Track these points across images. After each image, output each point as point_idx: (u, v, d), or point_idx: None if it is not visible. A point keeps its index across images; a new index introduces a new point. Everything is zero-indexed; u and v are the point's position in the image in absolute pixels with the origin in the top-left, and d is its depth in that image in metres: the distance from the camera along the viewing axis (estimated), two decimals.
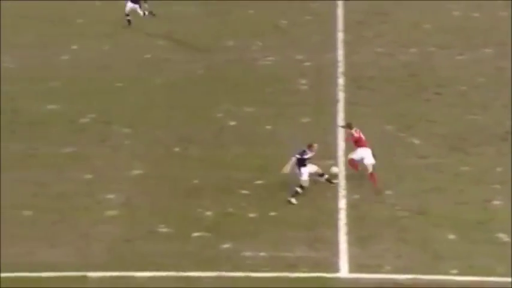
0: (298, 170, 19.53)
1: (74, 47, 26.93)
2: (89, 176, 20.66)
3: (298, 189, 19.52)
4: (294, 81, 25.39)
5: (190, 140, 22.22)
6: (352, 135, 20.10)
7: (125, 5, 27.64)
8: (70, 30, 27.76)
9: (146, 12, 27.75)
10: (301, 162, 19.49)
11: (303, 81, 25.41)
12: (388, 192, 20.15)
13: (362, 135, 20.08)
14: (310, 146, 19.66)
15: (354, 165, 20.24)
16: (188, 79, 25.20)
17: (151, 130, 22.68)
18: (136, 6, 27.62)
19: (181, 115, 23.26)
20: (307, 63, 26.45)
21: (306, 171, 19.52)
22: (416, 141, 22.29)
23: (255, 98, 24.27)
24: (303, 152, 19.53)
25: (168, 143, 22.13)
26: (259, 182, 20.51)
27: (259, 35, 28.00)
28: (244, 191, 20.19)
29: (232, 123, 23.18)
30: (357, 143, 20.05)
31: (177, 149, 21.89)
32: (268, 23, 28.93)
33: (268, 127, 22.85)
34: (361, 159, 19.93)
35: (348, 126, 20.50)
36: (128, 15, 27.76)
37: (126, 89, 24.74)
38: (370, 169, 19.87)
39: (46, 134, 22.31)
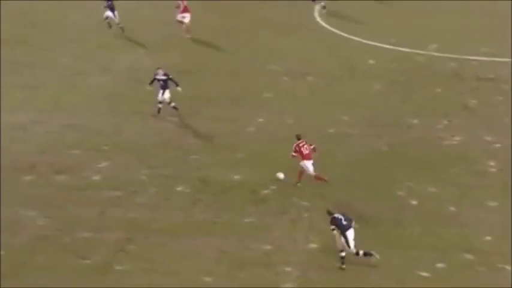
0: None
1: (260, 119, 27.72)
2: (268, 247, 20.83)
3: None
4: (482, 162, 24.45)
5: (369, 217, 21.86)
6: (298, 147, 22.98)
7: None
8: (257, 104, 28.65)
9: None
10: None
11: (492, 163, 24.39)
12: None
13: (307, 150, 22.98)
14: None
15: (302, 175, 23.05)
16: (370, 155, 25.01)
17: (330, 204, 22.58)
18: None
19: (361, 191, 23.01)
20: (497, 145, 25.41)
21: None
22: None
23: (439, 178, 23.57)
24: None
25: None
26: (440, 264, 19.68)
27: (446, 114, 27.37)
28: (423, 273, 19.44)
29: (414, 202, 22.59)
30: (303, 156, 22.96)
31: (355, 225, 21.59)
32: (456, 102, 28.25)
33: (452, 208, 22.01)
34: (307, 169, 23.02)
35: (297, 137, 23.19)
36: (160, 102, 26.96)
37: None
38: (312, 173, 23.13)
39: (229, 203, 22.85)
